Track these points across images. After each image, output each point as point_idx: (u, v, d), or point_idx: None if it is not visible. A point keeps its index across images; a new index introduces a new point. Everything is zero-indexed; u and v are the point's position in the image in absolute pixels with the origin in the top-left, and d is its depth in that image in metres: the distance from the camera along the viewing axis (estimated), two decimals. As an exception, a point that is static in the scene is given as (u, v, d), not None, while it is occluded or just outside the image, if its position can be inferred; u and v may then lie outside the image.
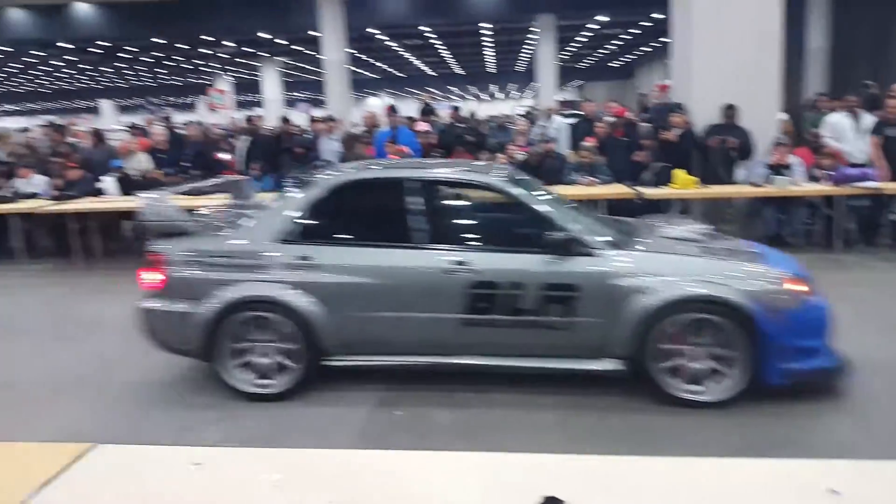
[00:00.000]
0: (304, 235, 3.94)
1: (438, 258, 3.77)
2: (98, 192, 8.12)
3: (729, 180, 7.53)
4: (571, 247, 3.70)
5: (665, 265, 3.69)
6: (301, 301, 3.78)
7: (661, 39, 26.08)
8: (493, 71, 41.21)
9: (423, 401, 3.85)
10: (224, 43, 26.22)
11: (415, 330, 3.81)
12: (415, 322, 3.79)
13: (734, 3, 7.58)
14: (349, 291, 3.79)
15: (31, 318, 6.15)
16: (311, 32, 18.94)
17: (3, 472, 1.82)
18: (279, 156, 9.16)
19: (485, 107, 37.57)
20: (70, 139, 10.10)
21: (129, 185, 8.11)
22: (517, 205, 3.97)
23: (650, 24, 24.57)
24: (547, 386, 3.88)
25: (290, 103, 32.51)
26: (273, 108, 26.75)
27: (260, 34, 23.89)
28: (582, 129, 8.67)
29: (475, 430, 3.54)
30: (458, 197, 4.78)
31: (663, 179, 7.31)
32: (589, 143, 7.87)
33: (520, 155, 7.89)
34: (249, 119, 10.90)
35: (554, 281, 3.67)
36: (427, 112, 11.36)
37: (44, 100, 43.68)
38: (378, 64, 35.45)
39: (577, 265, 3.68)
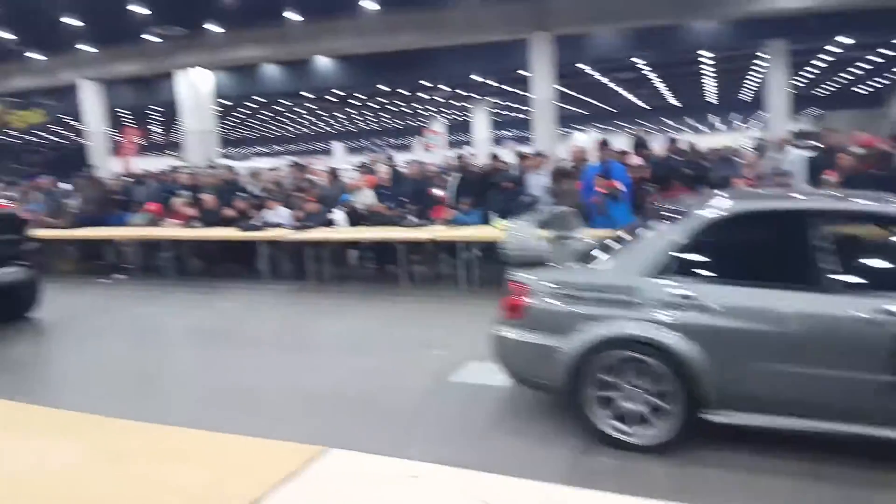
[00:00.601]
0: (684, 271, 3.57)
1: (858, 305, 3.25)
2: (329, 223, 8.98)
3: None
4: None
5: None
6: (682, 345, 3.42)
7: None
8: (713, 101, 38.78)
9: (634, 450, 3.58)
10: (440, 87, 27.98)
11: (822, 390, 3.29)
12: (823, 380, 3.27)
13: None
14: (741, 338, 3.36)
15: (293, 333, 6.88)
16: (520, 72, 19.45)
17: (246, 465, 2.03)
18: (487, 191, 9.41)
19: (705, 139, 35.46)
20: (309, 176, 11.33)
21: (355, 218, 8.89)
22: None
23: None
24: (791, 448, 3.41)
25: (498, 141, 33.57)
26: (482, 146, 27.83)
27: (472, 76, 25.15)
28: (822, 161, 7.74)
29: (690, 488, 3.22)
30: (875, 233, 4.06)
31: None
32: (831, 177, 6.99)
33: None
34: (460, 157, 11.40)
35: None
36: (640, 145, 10.97)
37: (287, 142, 50.03)
38: (585, 98, 35.28)
39: None
